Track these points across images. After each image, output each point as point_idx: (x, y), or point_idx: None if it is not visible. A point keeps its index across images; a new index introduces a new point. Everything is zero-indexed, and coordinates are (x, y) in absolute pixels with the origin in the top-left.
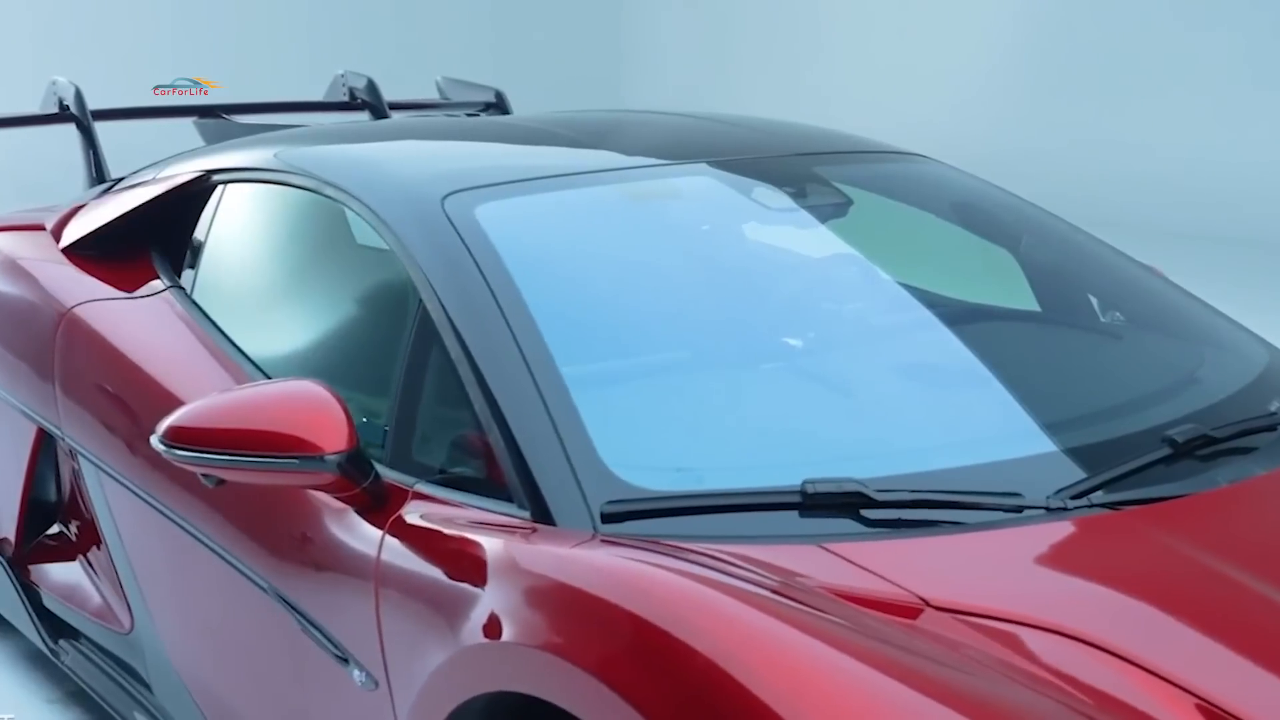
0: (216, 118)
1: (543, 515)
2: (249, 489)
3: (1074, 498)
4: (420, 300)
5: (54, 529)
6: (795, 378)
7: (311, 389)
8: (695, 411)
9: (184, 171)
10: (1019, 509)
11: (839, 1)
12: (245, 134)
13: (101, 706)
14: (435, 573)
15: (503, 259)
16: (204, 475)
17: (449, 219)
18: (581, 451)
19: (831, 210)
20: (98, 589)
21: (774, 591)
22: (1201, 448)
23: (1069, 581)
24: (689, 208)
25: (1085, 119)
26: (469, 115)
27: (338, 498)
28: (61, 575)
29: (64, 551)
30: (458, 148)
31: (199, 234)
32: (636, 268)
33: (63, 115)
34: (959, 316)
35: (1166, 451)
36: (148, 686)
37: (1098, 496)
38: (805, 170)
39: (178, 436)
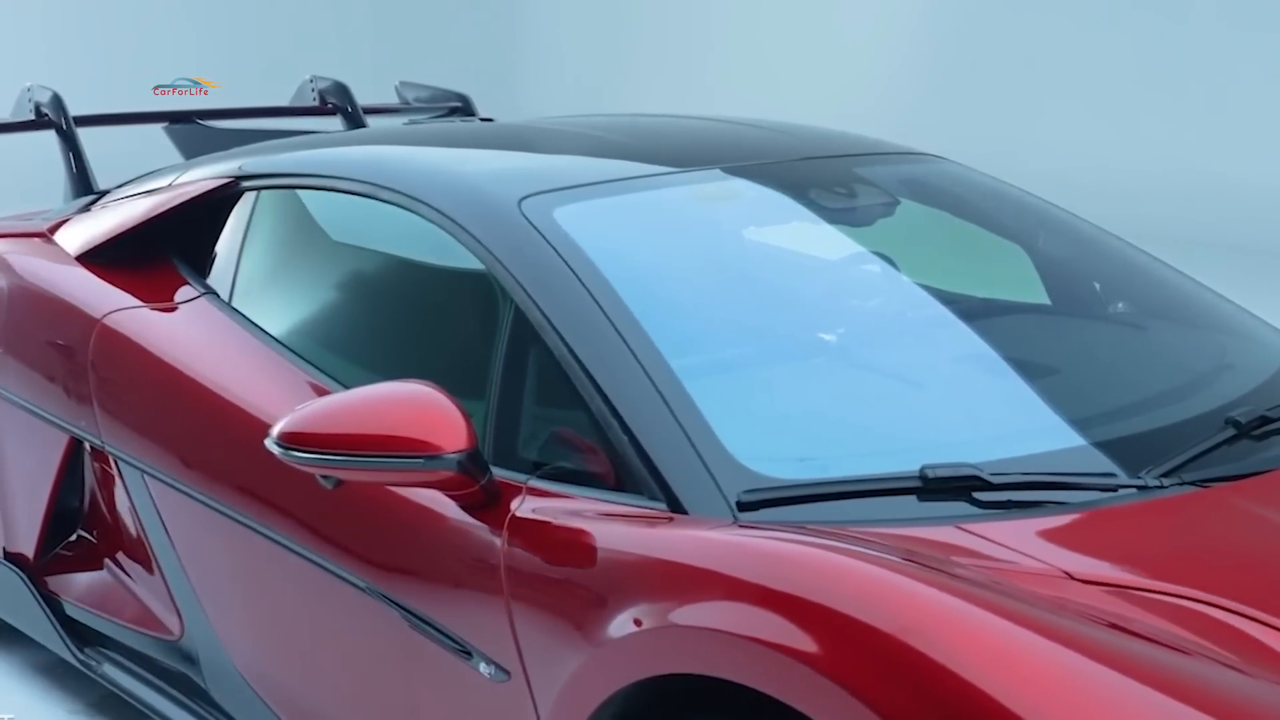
0: (190, 123)
1: (675, 507)
2: (338, 491)
3: (1162, 476)
4: (512, 302)
5: (72, 538)
6: (881, 368)
7: (425, 391)
8: (798, 402)
9: (206, 178)
10: (1115, 488)
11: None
12: (220, 139)
13: (127, 715)
14: (569, 563)
15: (592, 260)
16: (323, 476)
17: (529, 222)
18: (707, 443)
19: (881, 209)
20: (135, 596)
21: (939, 569)
22: (1257, 428)
23: (1186, 552)
24: (755, 208)
25: (982, 121)
26: (443, 118)
27: (451, 495)
28: (88, 584)
29: (88, 560)
30: (514, 153)
31: (230, 240)
32: (718, 265)
33: (40, 122)
34: (1017, 312)
35: (1232, 432)
36: (202, 692)
37: (1184, 474)
38: (850, 171)
39: (294, 440)
